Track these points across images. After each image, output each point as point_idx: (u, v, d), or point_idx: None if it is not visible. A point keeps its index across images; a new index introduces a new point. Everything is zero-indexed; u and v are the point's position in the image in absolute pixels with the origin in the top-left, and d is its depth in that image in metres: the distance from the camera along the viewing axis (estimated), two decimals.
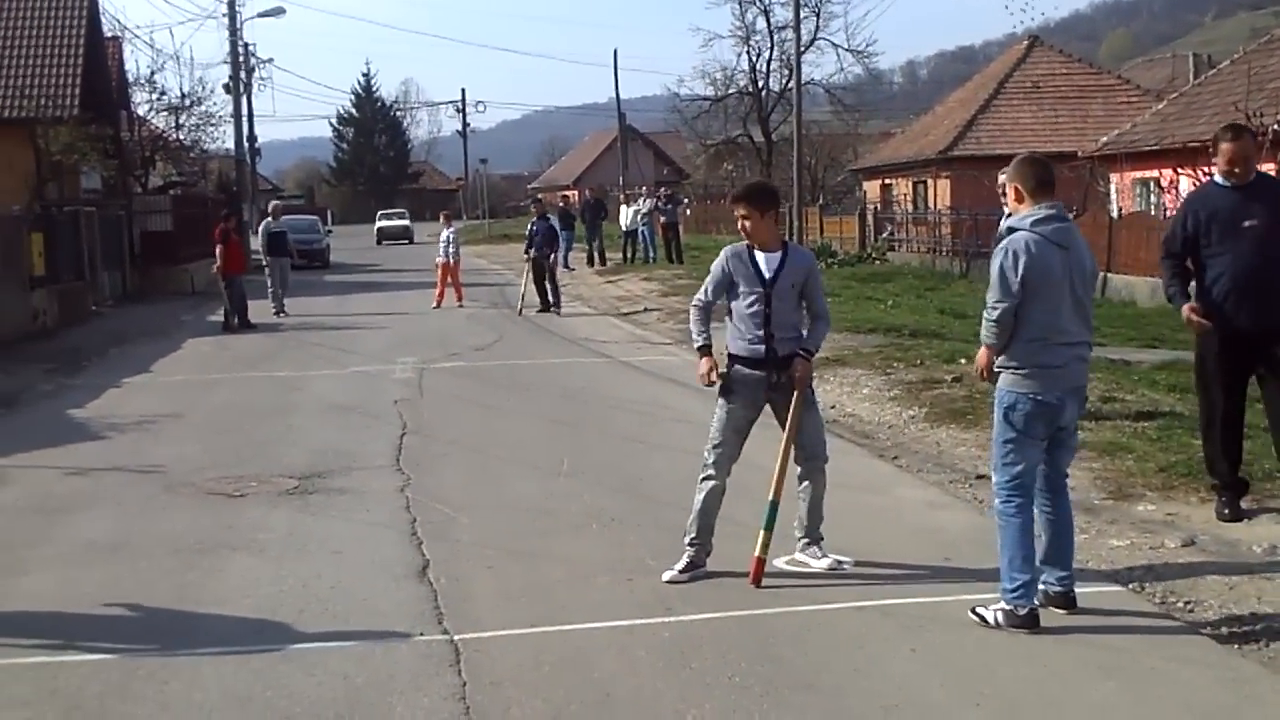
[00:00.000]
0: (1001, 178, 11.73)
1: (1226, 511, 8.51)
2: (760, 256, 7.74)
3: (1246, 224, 8.29)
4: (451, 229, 28.12)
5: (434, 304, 27.50)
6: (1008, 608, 6.56)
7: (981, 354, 6.98)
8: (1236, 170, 8.40)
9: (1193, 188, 25.18)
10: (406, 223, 72.06)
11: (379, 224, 72.29)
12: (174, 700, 5.98)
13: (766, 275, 7.68)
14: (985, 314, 6.63)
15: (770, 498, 7.61)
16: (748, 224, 7.77)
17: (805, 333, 7.77)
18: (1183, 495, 9.12)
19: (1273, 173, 13.30)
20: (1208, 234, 8.42)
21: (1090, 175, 30.49)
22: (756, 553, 7.50)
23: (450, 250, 27.77)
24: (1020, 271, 6.45)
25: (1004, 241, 6.61)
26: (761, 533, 7.53)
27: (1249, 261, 8.27)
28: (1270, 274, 8.26)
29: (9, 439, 12.83)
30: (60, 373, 18.23)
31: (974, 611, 6.68)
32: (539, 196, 34.23)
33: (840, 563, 7.77)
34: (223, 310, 24.52)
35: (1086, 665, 6.15)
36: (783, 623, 6.89)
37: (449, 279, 27.84)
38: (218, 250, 24.54)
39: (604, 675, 6.15)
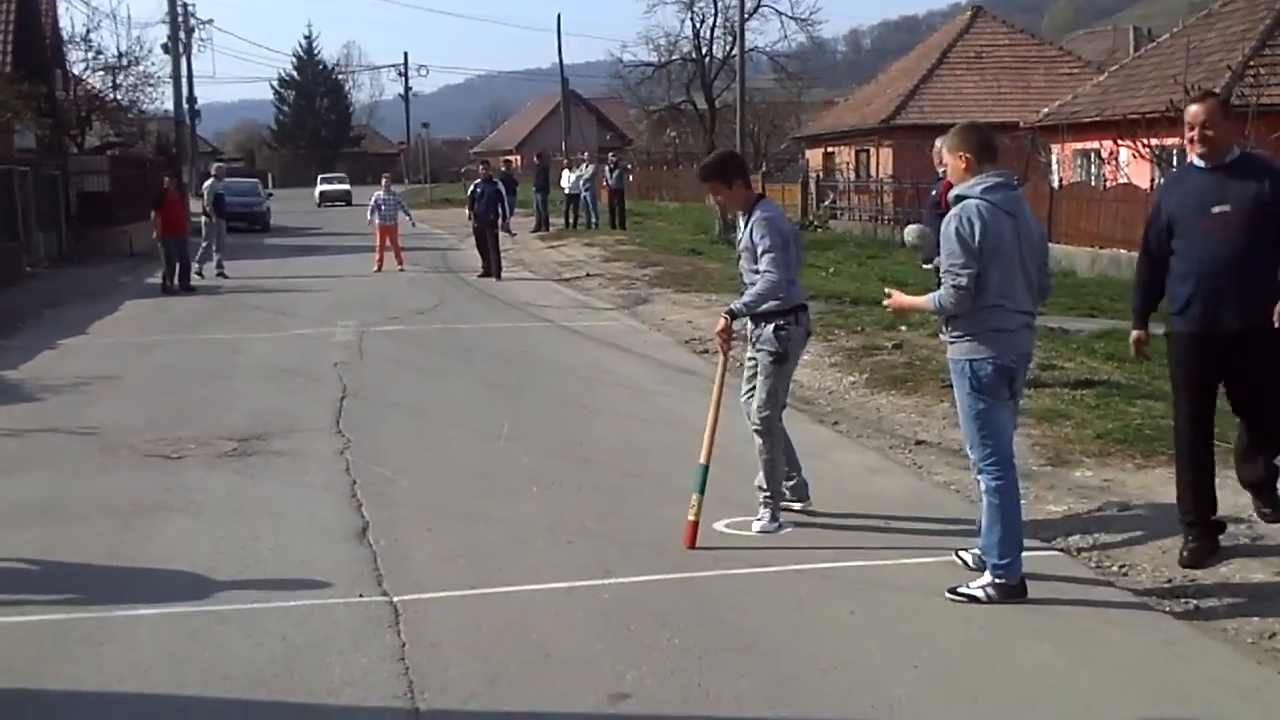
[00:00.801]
0: (938, 144, 11.85)
1: (1185, 554, 7.13)
2: (741, 221, 8.03)
3: (1216, 210, 6.89)
4: (391, 193, 27.91)
5: (374, 267, 27.30)
6: (1000, 581, 6.53)
7: (904, 299, 7.05)
8: (1195, 139, 6.97)
9: (1133, 160, 25.48)
10: (346, 186, 74.65)
11: (320, 187, 74.71)
12: (109, 662, 5.93)
13: (739, 238, 8.02)
14: (949, 280, 6.47)
15: (701, 461, 7.64)
16: (719, 198, 8.10)
17: None
18: (1119, 462, 9.21)
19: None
20: (1177, 223, 7.07)
21: (1032, 146, 30.67)
22: (689, 516, 7.53)
23: (385, 213, 27.50)
24: (978, 238, 6.39)
25: (956, 209, 6.53)
26: (694, 495, 7.56)
27: (1216, 254, 6.89)
28: (1239, 272, 6.85)
29: None
30: None
31: (956, 592, 6.60)
32: (485, 160, 33.92)
33: (770, 529, 7.84)
34: (161, 272, 24.30)
35: (1023, 628, 6.20)
36: (722, 585, 6.91)
37: (388, 242, 27.64)
38: (153, 213, 24.34)
39: (543, 637, 6.15)
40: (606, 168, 39.33)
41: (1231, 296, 6.91)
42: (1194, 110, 7.01)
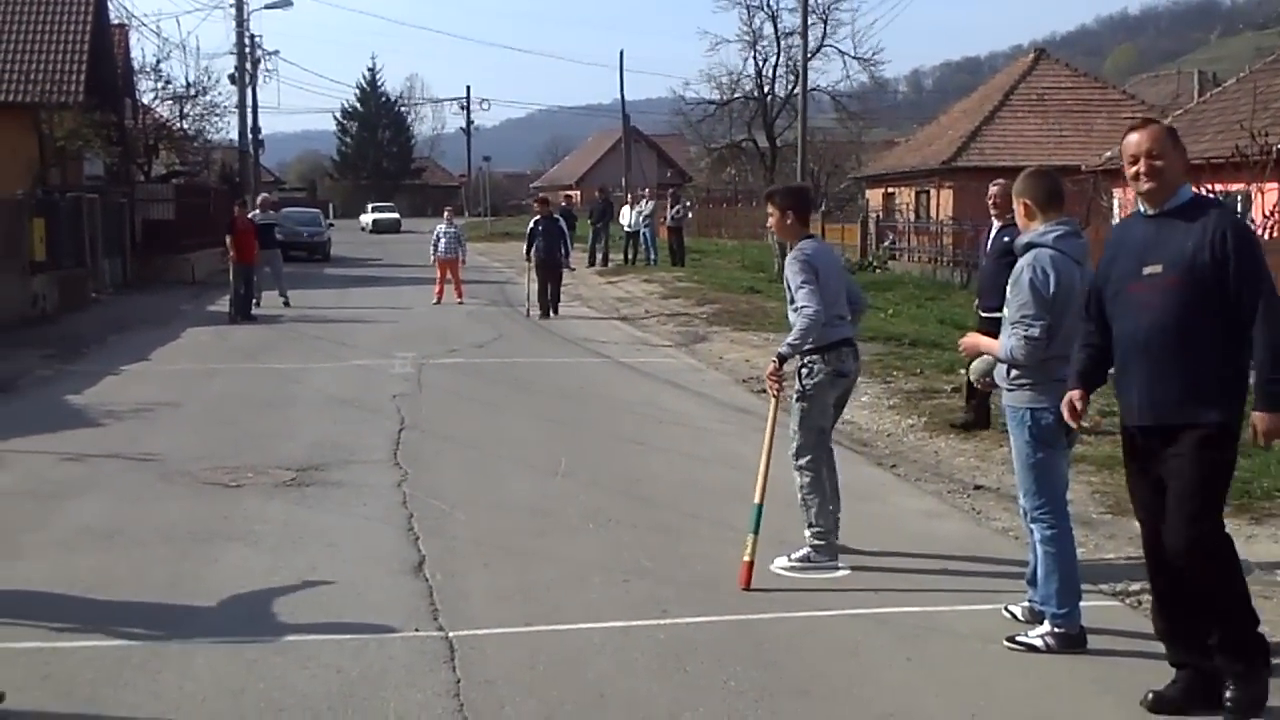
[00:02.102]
0: (992, 189, 11.82)
1: (1150, 696, 5.73)
2: None
3: (1147, 270, 5.55)
4: (453, 226, 27.94)
5: (434, 300, 27.42)
6: (1059, 631, 6.46)
7: (980, 340, 7.03)
8: (1142, 173, 5.65)
9: None
10: (396, 215, 79.89)
11: (372, 215, 79.44)
12: (166, 689, 5.96)
13: None
14: (1020, 330, 6.38)
15: (755, 501, 7.63)
16: (771, 220, 8.27)
17: None
18: None
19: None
20: (1107, 284, 5.82)
21: (1093, 190, 30.47)
22: (745, 557, 7.51)
23: (446, 247, 27.51)
24: (1053, 288, 6.34)
25: (1028, 257, 6.48)
26: (749, 536, 7.54)
27: (1138, 326, 5.60)
28: (1168, 353, 5.50)
29: (6, 423, 12.79)
30: (59, 358, 18.19)
31: (1015, 640, 6.54)
32: (544, 195, 33.79)
33: (794, 564, 7.86)
34: (228, 298, 24.60)
35: (1083, 679, 6.13)
36: (778, 628, 6.87)
37: (448, 275, 27.72)
38: (227, 239, 24.77)
39: (598, 676, 6.13)
40: (669, 204, 39.65)
41: (1158, 383, 5.55)
42: (1135, 138, 5.71)
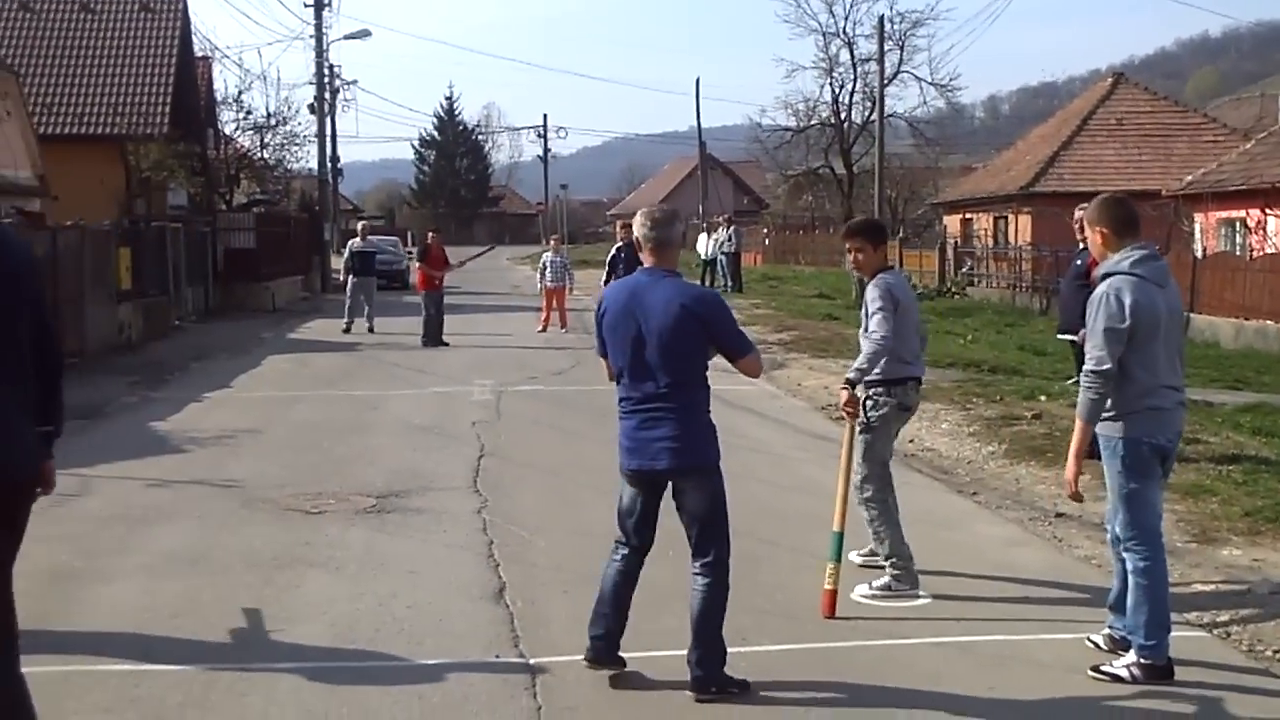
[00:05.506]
0: (1078, 213, 11.74)
1: None
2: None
3: None
4: (559, 255, 27.75)
5: (540, 328, 27.15)
6: (1146, 662, 6.37)
7: (1073, 459, 6.54)
8: None
9: None
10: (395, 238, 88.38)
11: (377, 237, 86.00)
12: (251, 713, 6.03)
13: None
14: (1090, 364, 6.33)
15: (834, 529, 7.60)
16: (860, 256, 8.11)
17: None
18: (1270, 541, 8.97)
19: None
20: None
21: (1174, 214, 30.16)
22: (826, 585, 7.48)
23: (553, 275, 27.21)
24: (1128, 316, 6.25)
25: (1105, 285, 6.41)
26: (829, 564, 7.52)
27: None
28: None
29: (93, 450, 12.97)
30: (143, 386, 18.44)
31: (1100, 670, 6.46)
32: (627, 223, 34.00)
33: (877, 591, 7.87)
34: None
35: (1169, 712, 6.04)
36: (858, 656, 6.84)
37: (554, 304, 27.43)
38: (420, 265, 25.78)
39: (679, 704, 6.13)
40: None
41: None
42: None
